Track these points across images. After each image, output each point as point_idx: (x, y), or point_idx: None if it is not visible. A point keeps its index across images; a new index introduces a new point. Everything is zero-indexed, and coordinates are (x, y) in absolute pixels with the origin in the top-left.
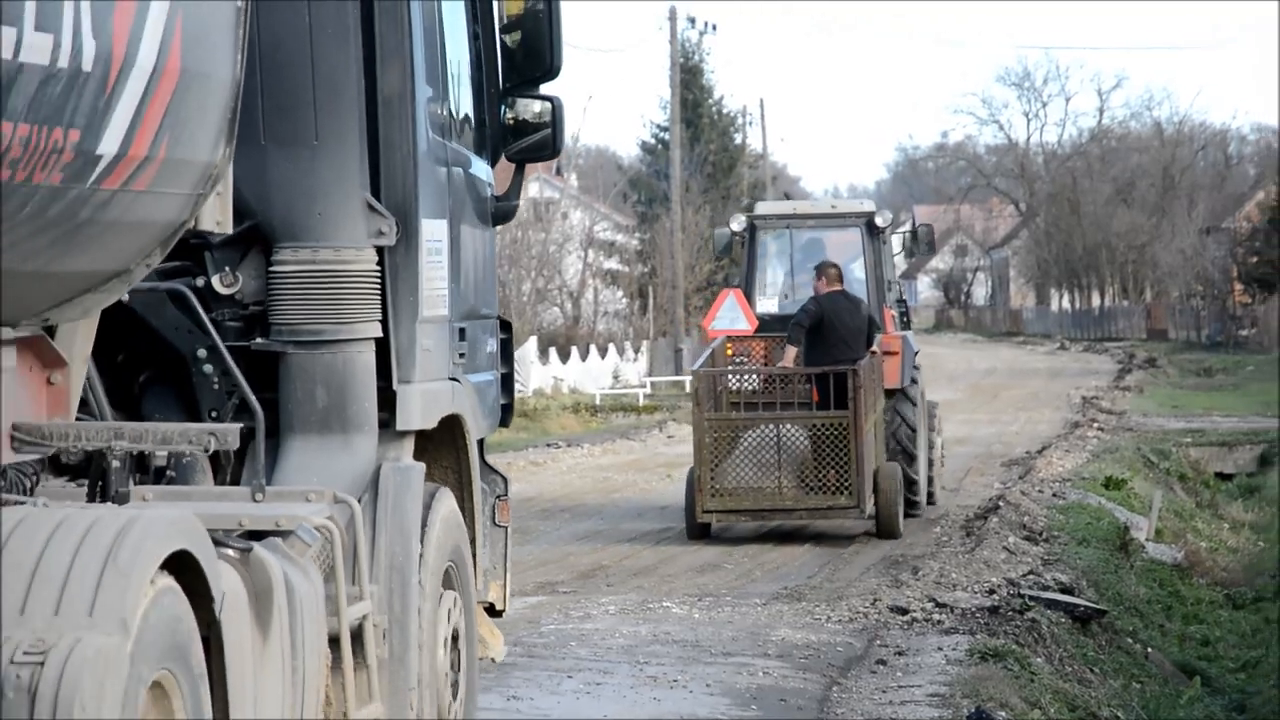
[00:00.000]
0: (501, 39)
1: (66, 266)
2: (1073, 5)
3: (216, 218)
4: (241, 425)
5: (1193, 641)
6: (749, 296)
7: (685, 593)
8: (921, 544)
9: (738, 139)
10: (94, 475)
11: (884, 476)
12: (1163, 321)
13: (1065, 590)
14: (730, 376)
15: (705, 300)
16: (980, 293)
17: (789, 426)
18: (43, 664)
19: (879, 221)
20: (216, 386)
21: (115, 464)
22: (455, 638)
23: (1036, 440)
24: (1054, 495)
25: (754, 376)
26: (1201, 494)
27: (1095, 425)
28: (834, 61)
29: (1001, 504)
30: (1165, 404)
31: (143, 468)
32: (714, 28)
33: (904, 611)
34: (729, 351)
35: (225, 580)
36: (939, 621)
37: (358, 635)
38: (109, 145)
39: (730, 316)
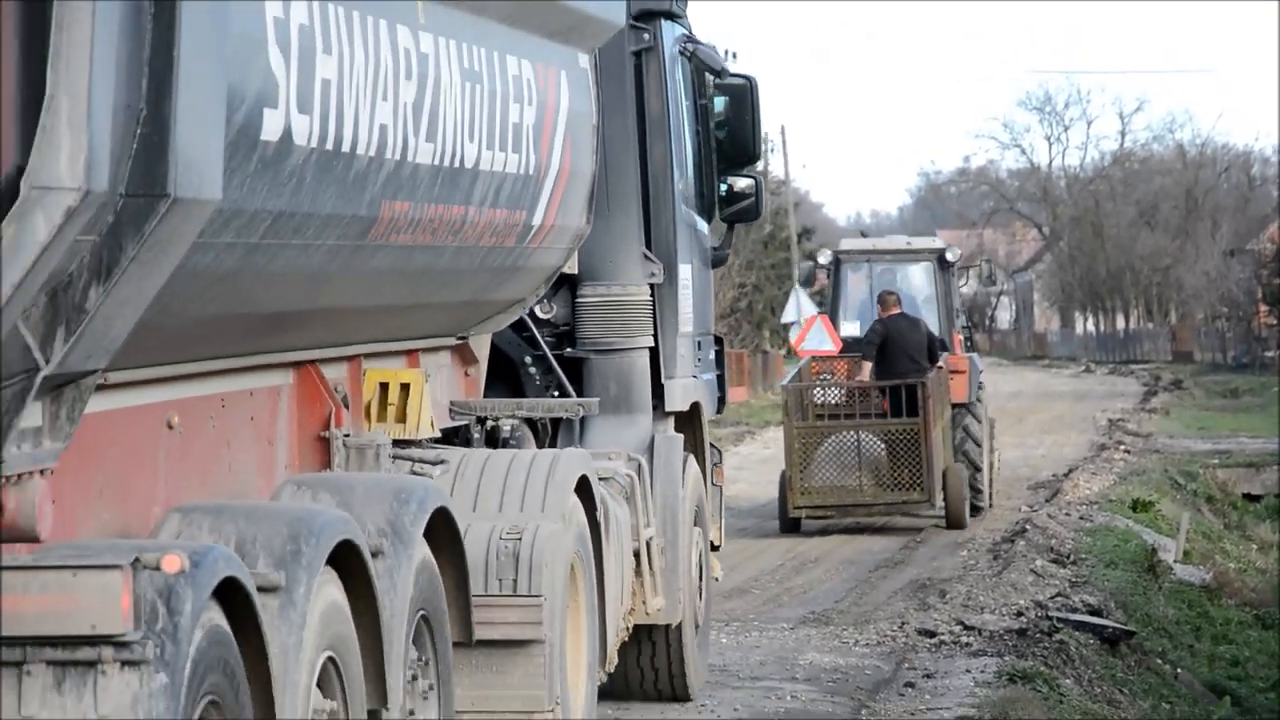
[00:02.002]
0: (715, 134)
1: (495, 296)
2: (1093, 29)
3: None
4: (580, 405)
5: (1222, 662)
6: (834, 321)
7: (713, 618)
8: (949, 567)
9: (759, 166)
10: (487, 436)
11: (952, 475)
12: (1188, 344)
13: (1093, 612)
14: (816, 390)
15: (729, 326)
16: (1004, 317)
17: (867, 433)
18: (519, 539)
19: (949, 256)
20: (539, 382)
21: (506, 428)
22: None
23: (1063, 463)
24: (1081, 518)
25: (837, 390)
26: (1229, 515)
27: (1122, 448)
28: (855, 87)
29: (1029, 527)
30: (1192, 426)
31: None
32: (734, 55)
33: (932, 634)
34: (814, 370)
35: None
36: (967, 644)
37: (647, 550)
38: (536, 219)
39: (818, 338)
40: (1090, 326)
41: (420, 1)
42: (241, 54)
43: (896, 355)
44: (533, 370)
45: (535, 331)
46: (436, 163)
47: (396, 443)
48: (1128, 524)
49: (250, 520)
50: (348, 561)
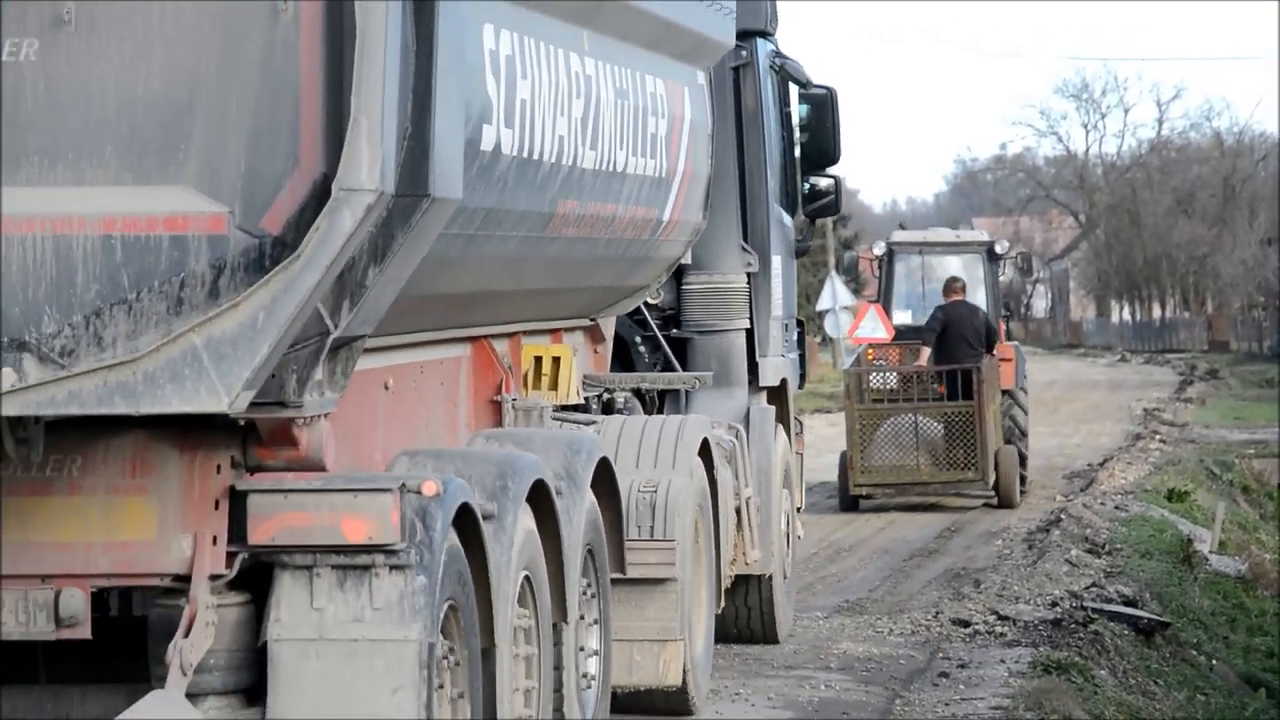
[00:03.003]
0: (800, 139)
1: (627, 283)
2: (1130, 16)
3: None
4: (697, 379)
5: (1258, 654)
6: (886, 310)
7: None
8: (983, 557)
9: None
10: (603, 406)
11: (1003, 456)
12: (1224, 333)
13: (1128, 603)
14: (873, 374)
15: None
16: (1040, 305)
17: (924, 415)
18: (655, 491)
19: (998, 249)
20: (647, 360)
21: (620, 399)
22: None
23: (1098, 452)
24: (1116, 508)
25: (893, 375)
26: (1265, 506)
27: (1157, 437)
28: (891, 74)
29: (1063, 517)
30: (1227, 415)
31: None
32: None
33: (966, 624)
34: (870, 356)
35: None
36: (1001, 634)
37: (746, 508)
38: (665, 215)
39: (871, 326)
40: (1126, 315)
41: (585, 30)
42: (471, 81)
43: (955, 340)
44: (642, 349)
45: (646, 315)
46: (597, 167)
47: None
48: (1163, 514)
49: (466, 462)
50: (538, 499)
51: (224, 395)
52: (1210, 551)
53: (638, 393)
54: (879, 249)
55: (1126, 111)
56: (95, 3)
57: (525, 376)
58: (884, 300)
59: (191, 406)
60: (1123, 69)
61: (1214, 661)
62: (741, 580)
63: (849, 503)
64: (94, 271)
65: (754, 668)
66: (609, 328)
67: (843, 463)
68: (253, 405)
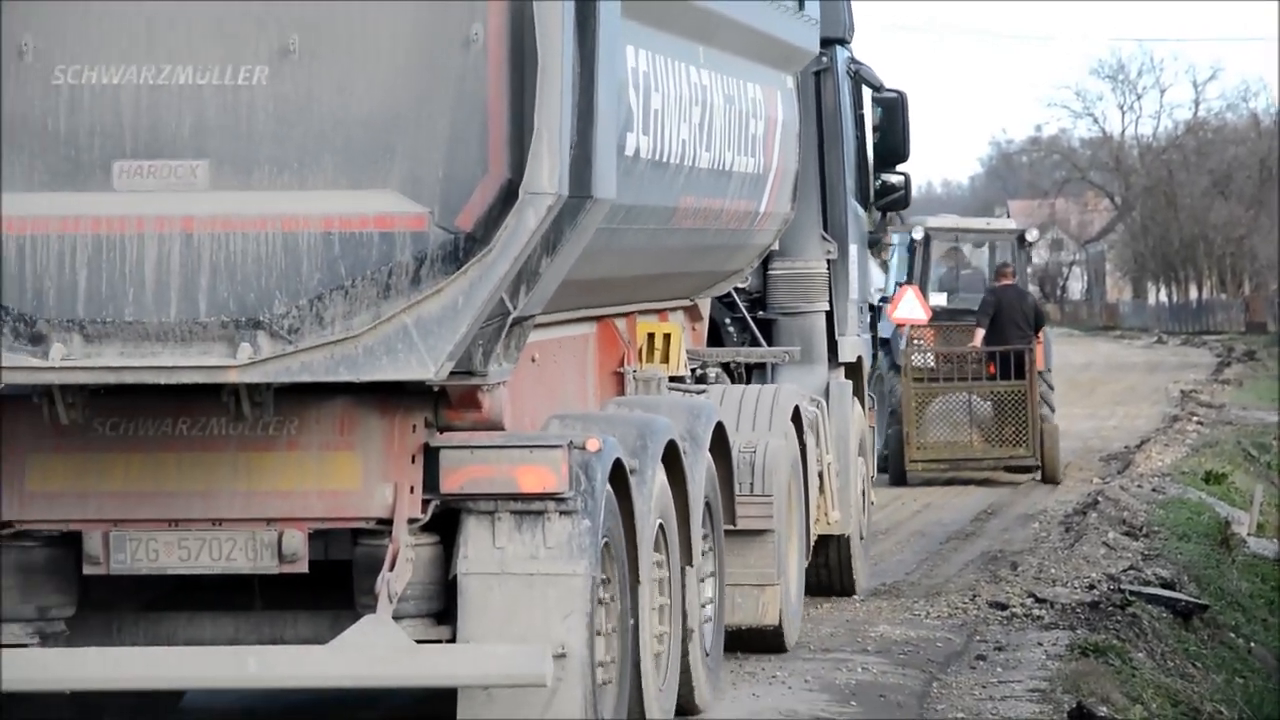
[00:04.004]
0: (872, 138)
1: (725, 268)
2: None
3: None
4: (787, 353)
5: None
6: (923, 291)
7: None
8: (1020, 539)
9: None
10: (696, 379)
11: (1047, 433)
12: (1261, 314)
13: (1166, 585)
14: (914, 355)
15: None
16: (1076, 287)
17: (976, 394)
18: (754, 451)
19: (1029, 237)
20: (736, 339)
21: (711, 374)
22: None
23: (1135, 435)
24: (1153, 490)
25: (930, 354)
26: None
27: (1194, 419)
28: (926, 56)
29: (1100, 499)
30: (1265, 397)
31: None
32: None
33: (1003, 607)
34: (910, 336)
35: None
36: (1039, 617)
37: (828, 473)
38: (761, 207)
39: (909, 307)
40: (1162, 297)
41: (701, 46)
42: (619, 94)
43: (1005, 323)
44: (731, 329)
45: (735, 298)
46: (711, 166)
47: None
48: (1200, 496)
49: (609, 424)
50: (670, 457)
51: (431, 365)
52: (1248, 534)
53: (726, 368)
54: (917, 234)
55: (1162, 92)
56: (316, 35)
57: (640, 351)
58: (920, 282)
59: (404, 375)
60: (1159, 50)
61: (1252, 644)
62: (823, 540)
63: (898, 477)
64: (316, 262)
65: (791, 650)
66: (705, 308)
67: (895, 440)
68: (449, 374)
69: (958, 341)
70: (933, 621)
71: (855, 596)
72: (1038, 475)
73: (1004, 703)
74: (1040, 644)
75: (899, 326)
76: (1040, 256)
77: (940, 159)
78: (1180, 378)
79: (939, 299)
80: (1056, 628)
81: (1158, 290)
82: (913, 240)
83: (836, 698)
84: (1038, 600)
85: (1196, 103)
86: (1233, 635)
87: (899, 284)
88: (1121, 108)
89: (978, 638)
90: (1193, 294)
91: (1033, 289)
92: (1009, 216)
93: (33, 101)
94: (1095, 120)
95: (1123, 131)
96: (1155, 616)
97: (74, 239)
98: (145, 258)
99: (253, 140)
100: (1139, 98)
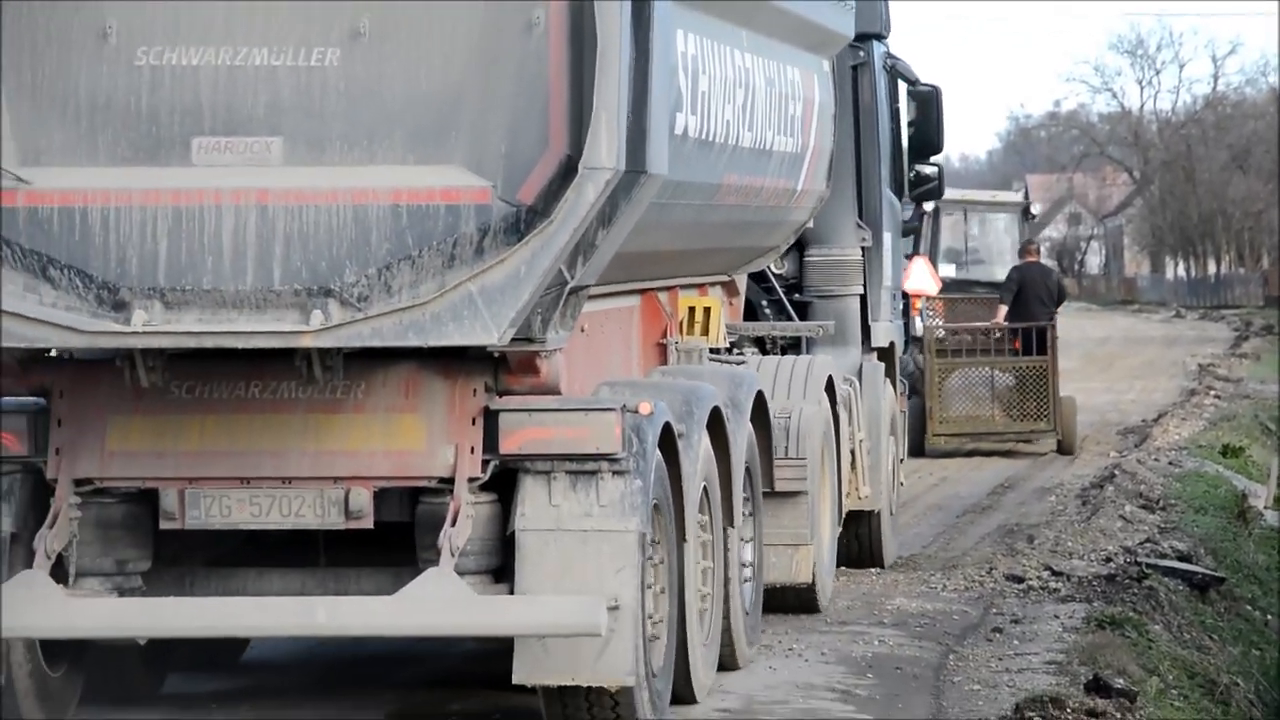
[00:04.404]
0: (907, 131)
1: (762, 244)
2: None
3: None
4: (821, 327)
5: None
6: (933, 263)
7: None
8: (1036, 513)
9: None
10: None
11: (1065, 406)
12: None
13: (1183, 558)
14: (940, 329)
15: None
16: (1094, 261)
17: (998, 368)
18: (789, 417)
19: (1033, 210)
20: (772, 321)
21: (749, 351)
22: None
23: (1152, 408)
24: (1170, 463)
25: (938, 326)
26: None
27: (1212, 393)
28: (944, 31)
29: (1117, 472)
30: None
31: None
32: None
33: (1020, 580)
34: (915, 308)
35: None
36: (1055, 590)
37: (860, 450)
38: (798, 185)
39: (919, 278)
40: (1180, 271)
41: (744, 30)
42: (670, 76)
43: (1029, 299)
44: (768, 311)
45: (773, 281)
46: (752, 145)
47: None
48: (1218, 469)
49: (657, 391)
50: (713, 423)
51: (495, 331)
52: (1265, 507)
53: (760, 346)
54: (926, 206)
55: (1181, 67)
56: (385, 19)
57: (681, 324)
58: (930, 254)
59: (469, 340)
60: (1178, 24)
61: (1269, 617)
62: (854, 515)
63: (916, 449)
64: (384, 233)
65: (807, 623)
66: (742, 284)
67: (913, 412)
68: (510, 340)
69: (965, 314)
70: (949, 594)
71: (875, 570)
72: (1053, 445)
73: (1020, 675)
74: (1057, 616)
75: (911, 298)
76: (1058, 231)
77: (958, 134)
78: (1198, 352)
79: (947, 270)
80: (1073, 600)
81: (1176, 264)
82: (922, 213)
83: (853, 670)
84: (1054, 573)
85: (1215, 77)
86: (1249, 608)
87: (908, 256)
88: (1140, 82)
89: (994, 610)
90: (1211, 268)
91: (1050, 263)
92: (1027, 191)
93: (116, 81)
94: (1114, 95)
95: (1141, 106)
96: (1172, 589)
97: (155, 211)
98: (222, 229)
99: (325, 118)
100: (1158, 72)
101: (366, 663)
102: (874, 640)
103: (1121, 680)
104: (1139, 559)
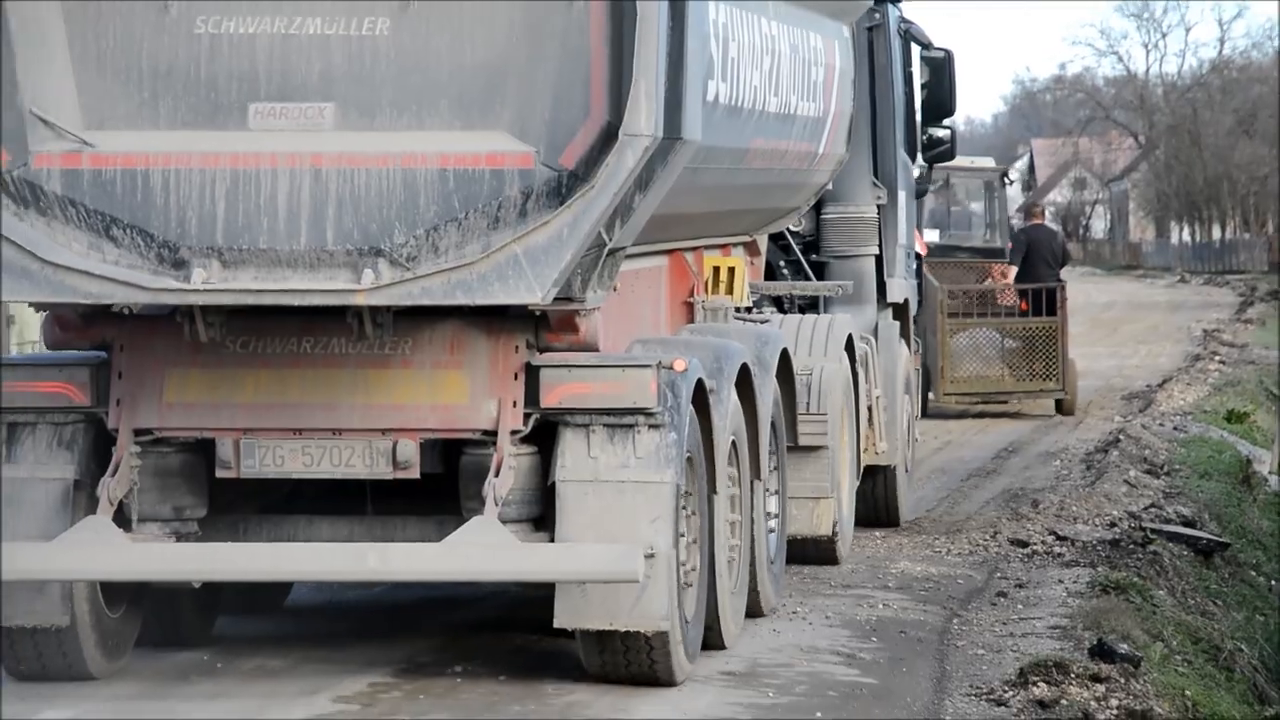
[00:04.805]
0: (920, 94)
1: (784, 205)
2: None
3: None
4: (840, 286)
5: None
6: (918, 228)
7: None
8: (1041, 477)
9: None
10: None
11: (1069, 368)
12: None
13: (1187, 523)
14: (947, 290)
15: None
16: (1099, 226)
17: (1007, 329)
18: (811, 373)
19: (1010, 176)
20: (790, 279)
21: (769, 310)
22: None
23: (1157, 373)
24: (1175, 429)
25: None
26: None
27: (1216, 358)
28: None
29: (1122, 437)
30: None
31: None
32: None
33: (1024, 544)
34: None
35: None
36: (1059, 554)
37: (876, 406)
38: (819, 149)
39: None
40: (1185, 236)
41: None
42: (703, 45)
43: (1036, 261)
44: (785, 271)
45: (790, 240)
46: (778, 111)
47: None
48: (1222, 435)
49: (688, 348)
50: (742, 379)
51: (539, 290)
52: (1270, 472)
53: (778, 305)
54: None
55: (1188, 31)
56: None
57: (706, 283)
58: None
59: (514, 299)
60: None
61: (1273, 582)
62: (870, 470)
63: (927, 410)
64: (432, 196)
65: (812, 586)
66: (763, 244)
67: (926, 374)
68: (553, 299)
69: (951, 278)
70: (954, 559)
71: (880, 534)
72: (1052, 406)
73: (1024, 639)
74: (1061, 581)
75: None
76: (1063, 195)
77: (963, 97)
78: (1203, 317)
79: (931, 235)
80: (1077, 565)
81: (1181, 229)
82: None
83: (857, 634)
84: (1059, 538)
85: (1222, 41)
86: (1253, 573)
87: None
88: (1146, 46)
89: (999, 575)
90: (1216, 233)
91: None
92: (1031, 155)
93: (176, 49)
94: (1120, 58)
95: (1147, 70)
96: (1176, 554)
97: (213, 174)
98: (278, 191)
99: (375, 85)
100: (1164, 36)
101: (404, 609)
102: (878, 604)
103: (1125, 645)
104: (1143, 524)
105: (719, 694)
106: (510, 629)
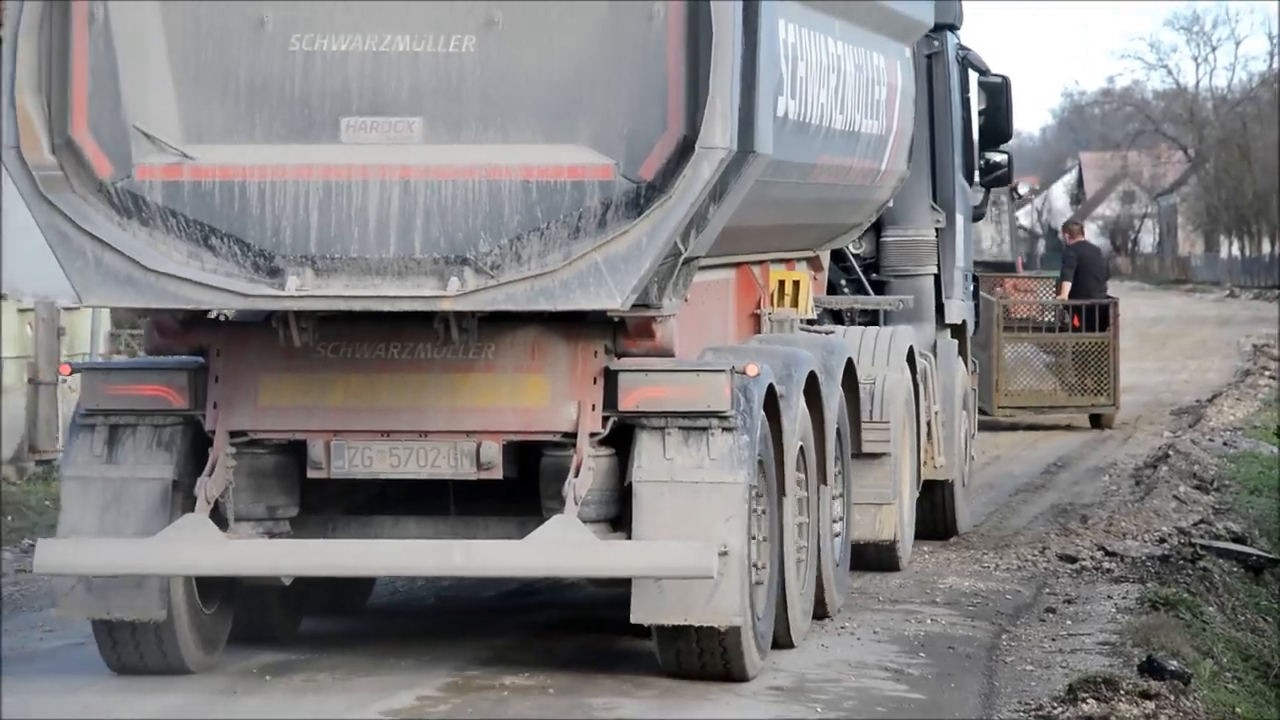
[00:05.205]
0: (978, 119)
1: (846, 221)
2: None
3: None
4: (901, 300)
5: None
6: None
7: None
8: (1090, 492)
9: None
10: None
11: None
12: None
13: (1237, 539)
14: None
15: None
16: (1147, 240)
17: (1061, 343)
18: (874, 382)
19: (1021, 190)
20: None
21: (830, 320)
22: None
23: (1206, 388)
24: (1225, 444)
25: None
26: None
27: (1266, 373)
28: (999, 6)
29: (1171, 453)
30: None
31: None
32: None
33: (1073, 560)
34: None
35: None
36: (1109, 570)
37: (935, 421)
38: (882, 166)
39: None
40: (1235, 250)
41: (837, 20)
42: (774, 63)
43: (1085, 277)
44: (846, 289)
45: (852, 261)
46: (843, 128)
47: None
48: (1272, 450)
49: (758, 356)
50: (809, 387)
51: (619, 297)
52: None
53: (838, 321)
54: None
55: (1238, 44)
56: (517, 9)
57: (772, 296)
58: None
59: (595, 305)
60: (1234, 1)
61: None
62: (929, 485)
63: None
64: (516, 207)
65: (860, 601)
66: (825, 260)
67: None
68: (631, 306)
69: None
70: (1002, 574)
71: (928, 548)
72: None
73: (1074, 655)
74: (1110, 597)
75: None
76: (1112, 209)
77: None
78: (1252, 332)
79: None
80: (1126, 581)
81: (1230, 244)
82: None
83: (905, 649)
84: (1108, 553)
85: (1272, 54)
86: None
87: None
88: (1196, 59)
89: (1047, 590)
90: (1265, 248)
91: (1102, 242)
92: (1080, 169)
93: (272, 66)
94: (1169, 72)
95: (1196, 83)
96: (1226, 570)
97: (307, 185)
98: (368, 202)
99: (462, 100)
100: (1214, 49)
101: (481, 609)
102: (926, 619)
103: (1175, 662)
104: (1193, 540)
105: (766, 709)
106: (559, 641)
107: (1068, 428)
